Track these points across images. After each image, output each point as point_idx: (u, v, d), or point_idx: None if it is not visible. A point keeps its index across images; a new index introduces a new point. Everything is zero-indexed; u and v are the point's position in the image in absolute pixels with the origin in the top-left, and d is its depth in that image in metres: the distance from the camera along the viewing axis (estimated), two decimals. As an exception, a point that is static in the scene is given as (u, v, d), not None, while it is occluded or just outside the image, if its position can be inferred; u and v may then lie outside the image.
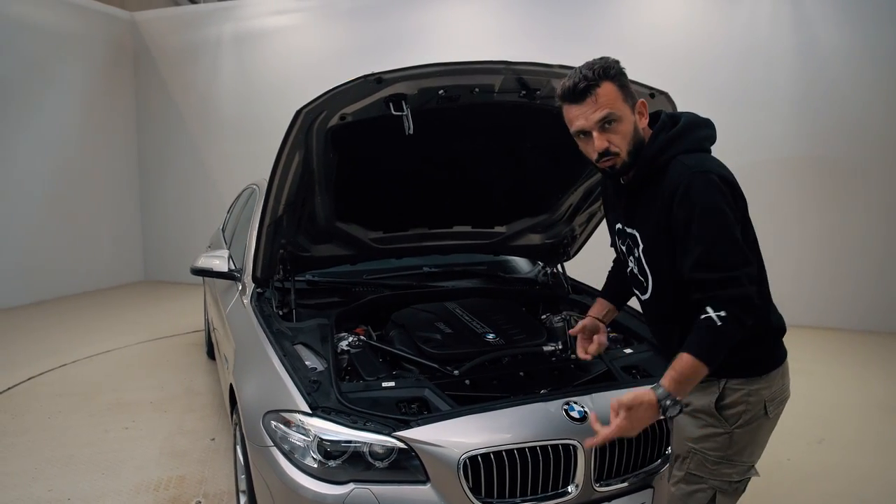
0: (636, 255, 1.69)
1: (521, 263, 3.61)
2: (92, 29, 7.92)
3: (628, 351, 2.45)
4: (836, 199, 5.93)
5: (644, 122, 1.60)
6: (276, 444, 1.96)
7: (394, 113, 2.02)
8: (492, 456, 1.84)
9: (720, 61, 5.99)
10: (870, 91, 5.71)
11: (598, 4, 6.44)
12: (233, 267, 3.15)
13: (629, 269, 1.77)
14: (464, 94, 2.13)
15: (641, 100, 1.59)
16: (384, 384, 2.10)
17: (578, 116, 1.55)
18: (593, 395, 2.06)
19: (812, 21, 5.86)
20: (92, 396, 4.26)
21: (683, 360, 1.45)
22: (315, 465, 1.88)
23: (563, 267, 3.23)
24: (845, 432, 3.68)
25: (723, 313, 1.41)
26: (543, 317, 2.89)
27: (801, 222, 5.99)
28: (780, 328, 1.67)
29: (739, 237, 1.47)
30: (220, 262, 3.14)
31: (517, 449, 1.86)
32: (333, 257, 2.80)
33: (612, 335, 2.65)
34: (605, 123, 1.53)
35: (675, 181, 1.50)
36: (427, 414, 1.94)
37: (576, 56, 2.12)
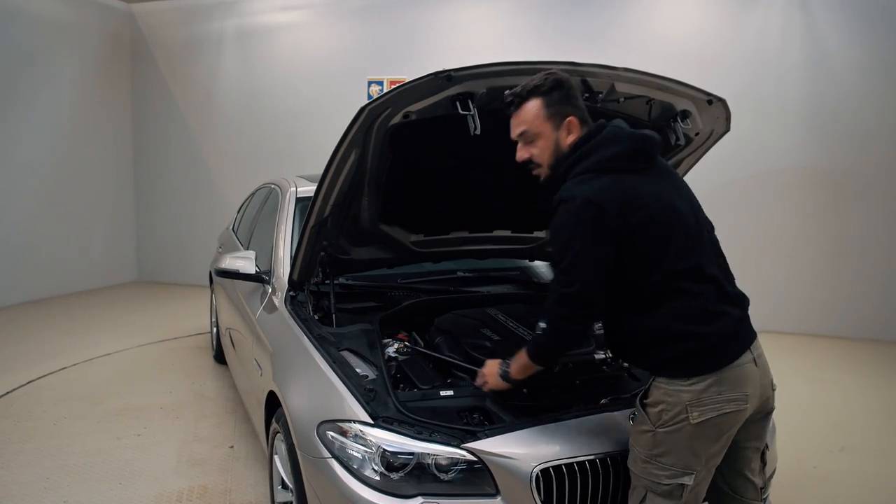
0: None
1: (546, 270, 3.56)
2: (87, 20, 7.70)
3: None
4: (843, 210, 5.98)
5: (570, 139, 1.72)
6: (333, 456, 1.88)
7: (460, 112, 1.96)
8: (564, 468, 1.79)
9: (732, 72, 6.01)
10: (878, 105, 5.78)
11: (610, 9, 6.44)
12: (259, 269, 3.06)
13: None
14: None
15: (571, 118, 1.71)
16: (442, 393, 2.03)
17: (511, 126, 1.79)
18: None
19: (823, 35, 5.91)
20: (97, 401, 4.11)
21: (521, 355, 1.80)
22: (377, 478, 1.80)
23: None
24: (865, 440, 3.69)
25: (543, 324, 1.69)
26: (583, 324, 2.84)
27: (807, 232, 6.03)
28: (695, 335, 1.61)
29: (574, 257, 1.57)
30: (246, 264, 3.04)
31: (588, 461, 1.81)
32: (373, 260, 2.72)
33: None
34: (525, 138, 1.75)
35: (555, 199, 1.65)
36: (492, 425, 1.88)
37: (589, 58, 2.14)
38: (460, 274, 3.13)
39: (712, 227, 1.82)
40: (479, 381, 1.98)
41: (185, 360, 5.03)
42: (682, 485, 1.63)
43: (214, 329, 4.90)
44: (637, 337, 1.69)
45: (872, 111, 5.82)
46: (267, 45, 7.66)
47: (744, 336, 1.68)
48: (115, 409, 3.97)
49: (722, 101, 2.31)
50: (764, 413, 1.77)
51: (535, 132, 1.73)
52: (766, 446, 1.87)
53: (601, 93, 2.15)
